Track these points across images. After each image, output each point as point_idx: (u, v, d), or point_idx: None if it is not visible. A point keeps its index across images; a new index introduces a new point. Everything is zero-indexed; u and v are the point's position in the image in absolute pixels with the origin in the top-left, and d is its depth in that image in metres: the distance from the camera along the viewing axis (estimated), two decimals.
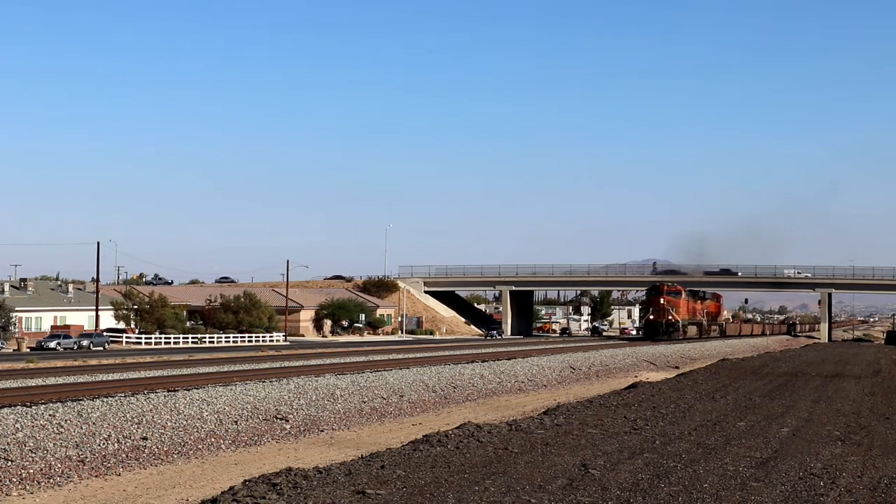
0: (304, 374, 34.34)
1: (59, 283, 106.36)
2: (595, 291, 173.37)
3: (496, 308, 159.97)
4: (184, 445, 20.05)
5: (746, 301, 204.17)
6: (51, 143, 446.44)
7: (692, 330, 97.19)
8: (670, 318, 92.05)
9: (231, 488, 13.70)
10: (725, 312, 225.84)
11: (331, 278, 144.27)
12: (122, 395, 24.20)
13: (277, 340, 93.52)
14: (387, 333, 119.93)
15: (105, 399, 22.68)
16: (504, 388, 36.54)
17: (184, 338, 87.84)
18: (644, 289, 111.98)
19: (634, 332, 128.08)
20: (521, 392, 36.46)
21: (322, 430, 23.86)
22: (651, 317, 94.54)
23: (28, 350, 68.37)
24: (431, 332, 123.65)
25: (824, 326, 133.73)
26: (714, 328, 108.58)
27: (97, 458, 18.03)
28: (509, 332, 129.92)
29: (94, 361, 49.24)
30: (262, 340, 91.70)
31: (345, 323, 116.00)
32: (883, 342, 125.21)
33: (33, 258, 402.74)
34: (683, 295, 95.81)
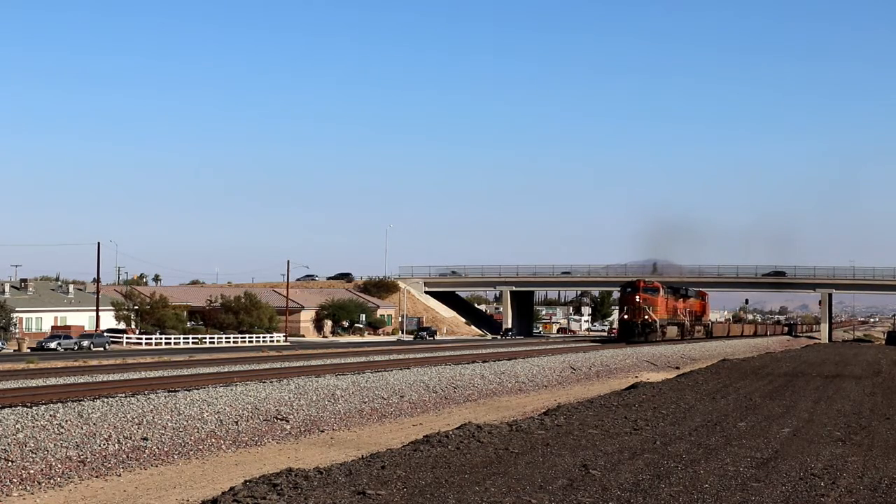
0: (304, 374, 34.34)
1: (59, 283, 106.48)
2: (595, 292, 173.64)
3: (497, 308, 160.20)
4: (184, 446, 20.05)
5: (747, 301, 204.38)
6: (51, 143, 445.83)
7: (672, 331, 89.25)
8: (647, 317, 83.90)
9: (231, 489, 13.70)
10: (726, 313, 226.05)
11: (333, 278, 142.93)
12: (123, 395, 24.19)
13: (278, 341, 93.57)
14: (387, 334, 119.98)
15: (106, 399, 22.68)
16: (505, 389, 36.54)
17: (184, 338, 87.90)
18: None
19: None
20: (521, 392, 36.46)
21: (322, 431, 23.86)
22: (625, 316, 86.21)
23: (28, 350, 68.40)
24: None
25: (825, 327, 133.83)
26: (699, 329, 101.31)
27: (98, 458, 18.03)
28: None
29: (94, 362, 49.24)
30: (263, 341, 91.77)
31: (345, 323, 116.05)
32: (883, 343, 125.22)
33: (33, 258, 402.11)
34: (661, 292, 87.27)
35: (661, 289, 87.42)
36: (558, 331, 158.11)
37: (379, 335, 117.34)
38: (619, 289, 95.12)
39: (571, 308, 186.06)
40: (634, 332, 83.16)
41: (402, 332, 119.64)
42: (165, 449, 19.55)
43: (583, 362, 49.47)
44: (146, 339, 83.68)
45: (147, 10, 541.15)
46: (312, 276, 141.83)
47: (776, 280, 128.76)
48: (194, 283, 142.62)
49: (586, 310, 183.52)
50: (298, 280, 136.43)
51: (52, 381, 32.18)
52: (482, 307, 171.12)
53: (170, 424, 21.06)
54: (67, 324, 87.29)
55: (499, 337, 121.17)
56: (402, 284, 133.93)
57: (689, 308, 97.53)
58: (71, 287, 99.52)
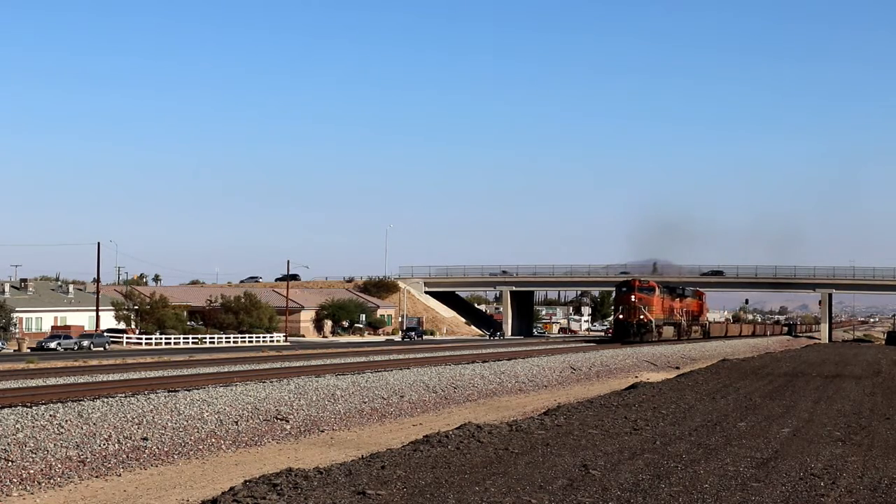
0: (304, 374, 34.35)
1: (59, 283, 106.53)
2: (595, 292, 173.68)
3: (496, 308, 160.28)
4: (184, 446, 20.05)
5: (747, 301, 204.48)
6: (50, 143, 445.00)
7: (668, 331, 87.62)
8: (642, 317, 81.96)
9: (231, 489, 13.70)
10: (726, 313, 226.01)
11: (280, 279, 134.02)
12: (123, 395, 24.19)
13: (278, 341, 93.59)
14: (387, 334, 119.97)
15: (105, 399, 22.68)
16: (505, 389, 36.54)
17: (184, 338, 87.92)
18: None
19: None
20: (521, 392, 36.47)
21: (322, 431, 23.86)
22: (620, 316, 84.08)
23: (28, 350, 68.42)
24: (432, 333, 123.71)
25: (824, 327, 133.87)
26: (696, 329, 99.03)
27: (98, 458, 18.03)
28: (510, 333, 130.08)
29: (94, 362, 49.25)
30: (263, 341, 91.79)
31: (345, 323, 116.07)
32: (883, 343, 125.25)
33: (33, 258, 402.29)
34: (657, 292, 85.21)
35: (656, 288, 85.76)
36: (560, 331, 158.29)
37: (379, 335, 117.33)
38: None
39: (571, 308, 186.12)
40: (630, 332, 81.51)
41: (402, 332, 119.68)
42: (165, 449, 19.55)
43: (583, 362, 49.47)
44: (146, 339, 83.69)
45: (146, 10, 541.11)
46: (256, 277, 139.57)
47: (776, 280, 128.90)
48: (194, 283, 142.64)
49: (586, 310, 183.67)
50: (243, 281, 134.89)
51: (52, 381, 32.18)
52: (482, 307, 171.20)
53: (170, 424, 21.06)
54: (67, 324, 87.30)
55: (487, 337, 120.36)
56: (402, 284, 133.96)
57: (686, 308, 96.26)
58: (71, 287, 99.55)
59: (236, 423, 22.67)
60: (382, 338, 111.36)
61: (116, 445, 18.95)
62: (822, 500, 13.34)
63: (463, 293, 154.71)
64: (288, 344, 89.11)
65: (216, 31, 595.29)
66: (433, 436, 19.14)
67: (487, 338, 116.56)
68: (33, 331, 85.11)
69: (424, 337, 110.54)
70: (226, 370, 39.06)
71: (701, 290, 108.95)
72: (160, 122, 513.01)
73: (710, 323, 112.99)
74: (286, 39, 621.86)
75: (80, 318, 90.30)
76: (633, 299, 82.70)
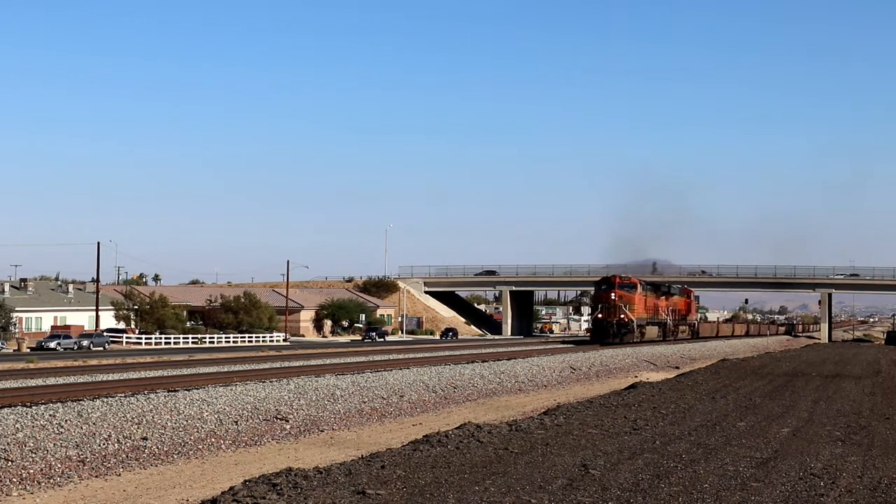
0: (304, 374, 34.35)
1: (59, 283, 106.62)
2: None
3: (496, 308, 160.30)
4: (184, 445, 20.05)
5: (746, 301, 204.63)
6: (51, 143, 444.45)
7: (652, 331, 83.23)
8: (622, 316, 76.87)
9: (231, 488, 13.70)
10: (726, 313, 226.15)
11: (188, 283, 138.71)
12: (123, 395, 24.19)
13: (278, 341, 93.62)
14: (387, 334, 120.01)
15: (105, 399, 22.67)
16: (504, 389, 36.55)
17: (184, 338, 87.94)
18: None
19: None
20: (521, 392, 36.47)
21: (322, 431, 23.87)
22: (599, 315, 78.51)
23: (28, 350, 68.44)
24: (431, 333, 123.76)
25: (824, 327, 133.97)
26: (683, 328, 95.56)
27: (97, 458, 18.03)
28: (509, 333, 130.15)
29: (94, 362, 49.26)
30: (263, 341, 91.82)
31: (345, 323, 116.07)
32: (883, 342, 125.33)
33: (33, 258, 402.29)
34: (640, 289, 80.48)
35: (638, 285, 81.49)
36: (587, 331, 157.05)
37: None
38: None
39: (571, 308, 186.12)
40: (609, 332, 76.30)
41: (402, 332, 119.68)
42: (165, 449, 19.55)
43: (582, 362, 49.48)
44: (146, 338, 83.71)
45: (147, 10, 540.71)
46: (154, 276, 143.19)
47: (775, 280, 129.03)
48: (194, 283, 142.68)
49: (586, 310, 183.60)
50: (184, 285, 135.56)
51: (51, 380, 32.20)
52: (482, 307, 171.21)
53: (169, 424, 21.06)
54: (67, 323, 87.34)
55: (439, 337, 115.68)
56: (401, 284, 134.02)
57: (673, 306, 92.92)
58: (70, 287, 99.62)
59: (236, 422, 22.67)
60: (347, 338, 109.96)
61: (116, 445, 18.95)
62: (821, 500, 13.34)
63: (463, 293, 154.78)
64: (288, 344, 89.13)
65: (217, 31, 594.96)
66: (433, 435, 19.15)
67: (440, 338, 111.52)
68: (33, 330, 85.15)
69: (418, 336, 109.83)
70: (225, 370, 39.08)
71: (691, 288, 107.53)
72: (160, 122, 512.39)
73: (699, 322, 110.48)
74: (287, 39, 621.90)
75: (80, 318, 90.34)
76: (612, 297, 77.99)
